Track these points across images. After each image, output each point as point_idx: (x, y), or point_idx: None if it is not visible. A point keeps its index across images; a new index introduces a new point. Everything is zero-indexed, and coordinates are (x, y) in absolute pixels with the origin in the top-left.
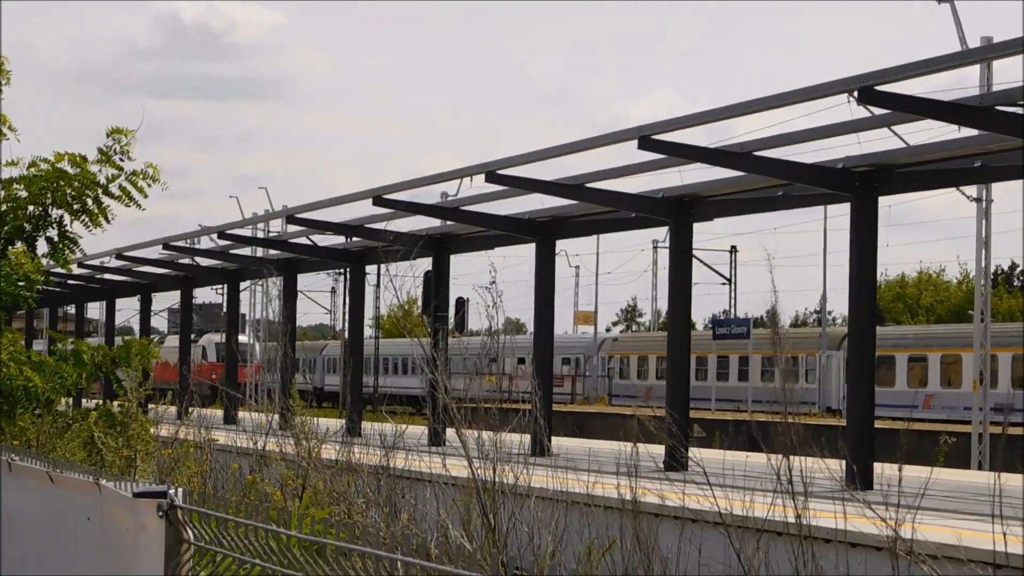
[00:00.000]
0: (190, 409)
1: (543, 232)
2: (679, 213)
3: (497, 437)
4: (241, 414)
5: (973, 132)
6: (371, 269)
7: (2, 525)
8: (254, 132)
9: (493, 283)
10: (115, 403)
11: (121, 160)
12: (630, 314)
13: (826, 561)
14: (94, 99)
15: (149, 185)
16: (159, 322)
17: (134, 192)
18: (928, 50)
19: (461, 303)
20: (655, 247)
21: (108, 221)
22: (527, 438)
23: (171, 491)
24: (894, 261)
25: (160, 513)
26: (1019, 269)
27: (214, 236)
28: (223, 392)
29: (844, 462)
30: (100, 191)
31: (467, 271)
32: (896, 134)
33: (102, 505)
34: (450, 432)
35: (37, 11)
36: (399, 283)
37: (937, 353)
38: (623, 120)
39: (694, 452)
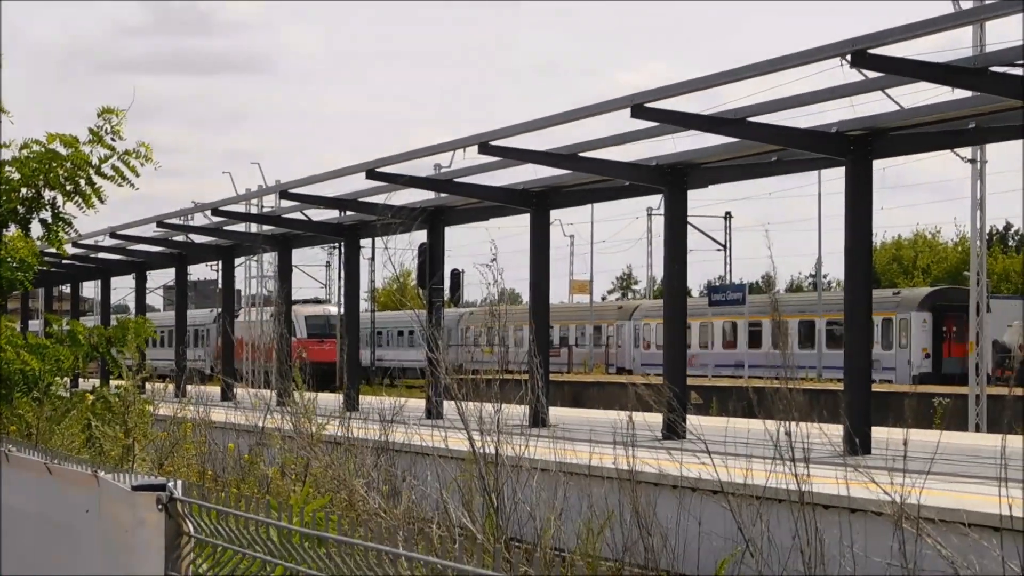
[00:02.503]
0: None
1: (537, 202)
2: (673, 181)
3: (498, 411)
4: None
5: (967, 93)
6: (366, 243)
7: (1, 518)
8: (246, 108)
9: (494, 260)
10: (112, 383)
11: (113, 140)
12: (625, 282)
13: (827, 528)
14: (83, 79)
15: (142, 164)
16: (154, 300)
17: (127, 172)
18: (921, 12)
19: (456, 275)
20: (649, 215)
21: (102, 201)
22: (524, 409)
23: (170, 484)
24: (889, 224)
25: (159, 506)
26: (1014, 229)
27: (208, 213)
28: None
29: (843, 428)
30: (93, 171)
31: (462, 243)
32: (890, 97)
33: (100, 498)
34: (449, 404)
35: None
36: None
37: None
38: (616, 90)
39: (692, 420)
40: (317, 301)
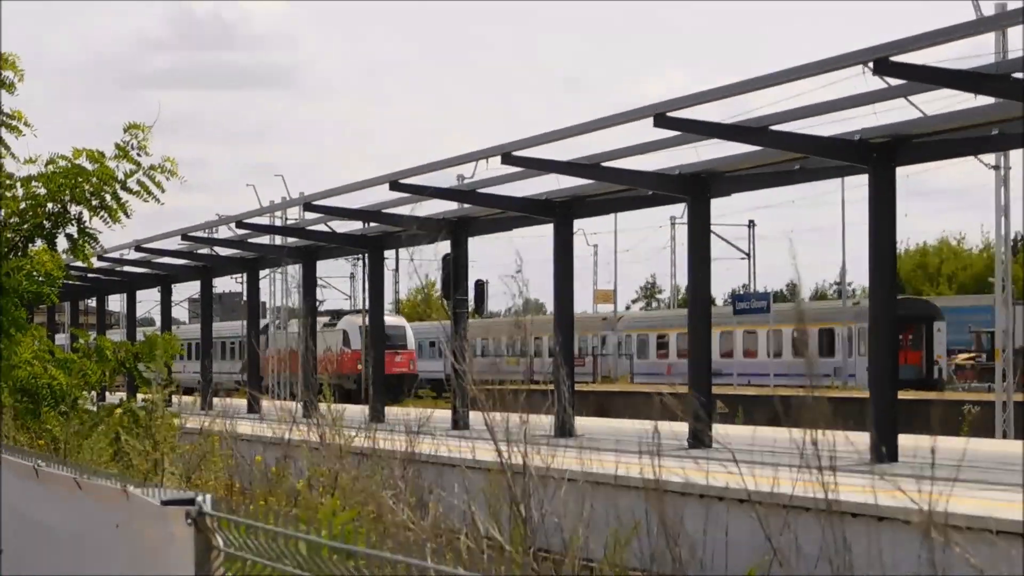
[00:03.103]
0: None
1: (561, 212)
2: (696, 189)
3: (525, 422)
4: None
5: (990, 100)
6: (389, 254)
7: (30, 533)
8: (270, 122)
9: (519, 271)
10: (139, 398)
11: (138, 155)
12: (650, 291)
13: (855, 537)
14: (108, 94)
15: (168, 179)
16: (180, 312)
17: (152, 187)
18: (943, 19)
19: (480, 286)
20: (673, 224)
21: (127, 216)
22: (549, 418)
23: (199, 498)
24: (914, 230)
25: (189, 521)
26: None
27: (232, 225)
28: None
29: (869, 436)
30: (118, 186)
31: (485, 253)
32: (913, 104)
33: (130, 512)
34: (475, 415)
35: (47, 9)
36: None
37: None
38: (638, 100)
39: (718, 429)
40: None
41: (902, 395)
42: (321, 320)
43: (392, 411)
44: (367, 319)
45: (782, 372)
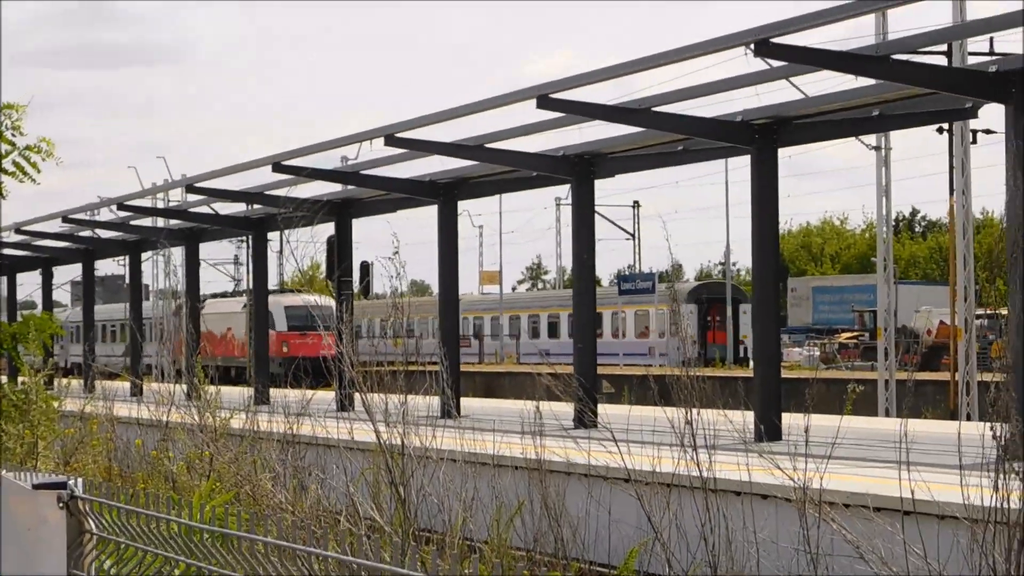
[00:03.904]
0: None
1: (445, 194)
2: (580, 171)
3: (404, 402)
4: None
5: (870, 81)
6: (274, 236)
7: None
8: (153, 101)
9: (396, 253)
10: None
11: (13, 135)
12: (535, 272)
13: (735, 514)
14: None
15: (44, 159)
16: (62, 295)
17: (27, 167)
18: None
19: (365, 267)
20: (558, 204)
21: (3, 197)
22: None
23: (71, 482)
24: (798, 211)
25: (60, 504)
26: (920, 215)
27: (114, 208)
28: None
29: (753, 414)
30: None
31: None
32: (795, 85)
33: (2, 496)
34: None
35: None
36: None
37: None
38: (526, 80)
39: (602, 409)
40: (298, 291)
41: (712, 372)
42: (240, 300)
43: (279, 393)
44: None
45: (629, 352)
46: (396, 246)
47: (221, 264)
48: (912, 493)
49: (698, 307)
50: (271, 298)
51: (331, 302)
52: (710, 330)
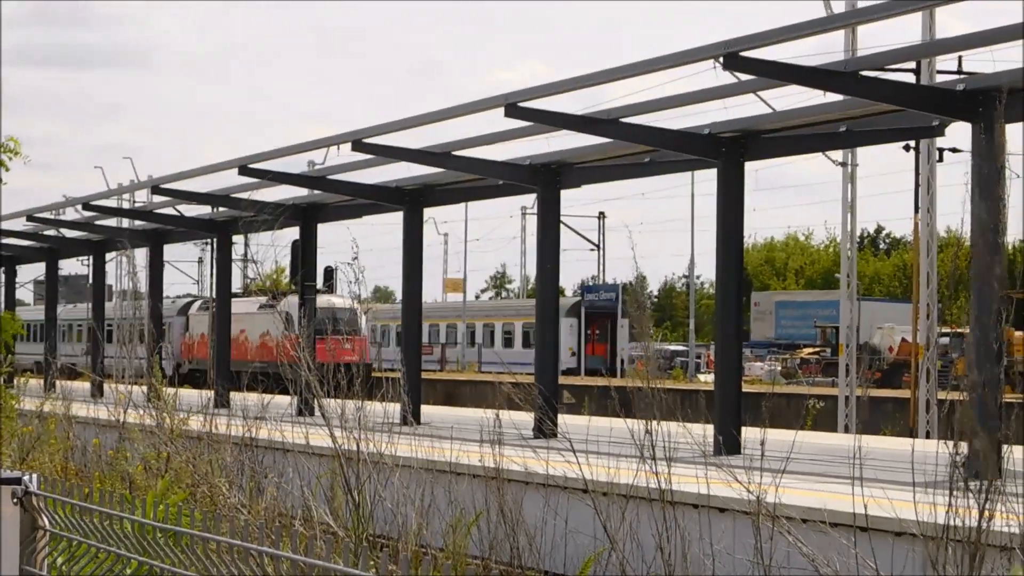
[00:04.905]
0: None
1: (411, 200)
2: (546, 180)
3: (360, 407)
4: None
5: (838, 97)
6: (239, 239)
7: None
8: (121, 102)
9: (355, 258)
10: None
11: None
12: (499, 280)
13: (692, 527)
14: None
15: (10, 159)
16: (25, 294)
17: None
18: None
19: (329, 272)
20: (524, 214)
21: None
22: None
23: (25, 477)
24: (763, 225)
25: (15, 500)
26: (884, 232)
27: (79, 207)
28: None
29: (713, 427)
30: None
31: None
32: (762, 99)
33: None
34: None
35: None
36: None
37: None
38: (495, 89)
39: (562, 420)
40: (323, 291)
41: (673, 384)
42: (256, 301)
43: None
44: (294, 299)
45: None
46: (355, 251)
47: (180, 263)
48: (865, 508)
49: (578, 321)
50: (290, 298)
51: (353, 303)
52: (590, 343)
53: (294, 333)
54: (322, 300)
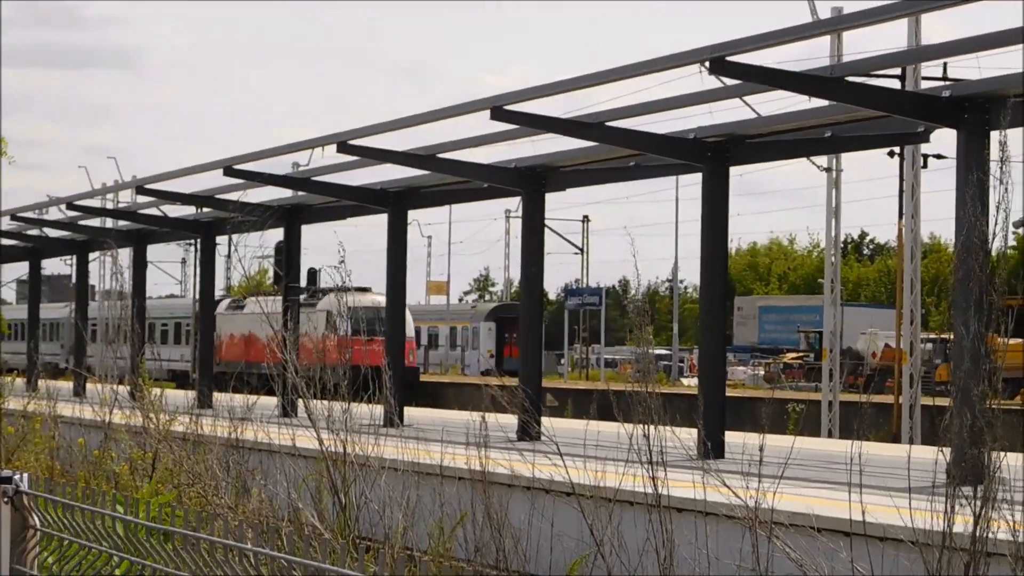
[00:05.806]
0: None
1: (395, 202)
2: (531, 183)
3: (347, 409)
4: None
5: (823, 102)
6: (223, 240)
7: None
8: (108, 103)
9: (342, 262)
10: None
11: None
12: (483, 283)
13: (680, 530)
14: None
15: None
16: (7, 293)
17: None
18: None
19: (313, 273)
20: (508, 217)
21: None
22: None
23: (16, 476)
24: (746, 230)
25: (5, 499)
26: (868, 238)
27: (63, 207)
28: None
29: (697, 431)
30: None
31: (321, 240)
32: (748, 104)
33: None
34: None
35: None
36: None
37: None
38: (482, 92)
39: (546, 422)
40: (362, 289)
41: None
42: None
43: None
44: (274, 301)
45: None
46: (342, 254)
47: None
48: (863, 515)
49: (497, 325)
50: (326, 299)
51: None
52: (507, 345)
53: (337, 334)
54: (365, 299)
